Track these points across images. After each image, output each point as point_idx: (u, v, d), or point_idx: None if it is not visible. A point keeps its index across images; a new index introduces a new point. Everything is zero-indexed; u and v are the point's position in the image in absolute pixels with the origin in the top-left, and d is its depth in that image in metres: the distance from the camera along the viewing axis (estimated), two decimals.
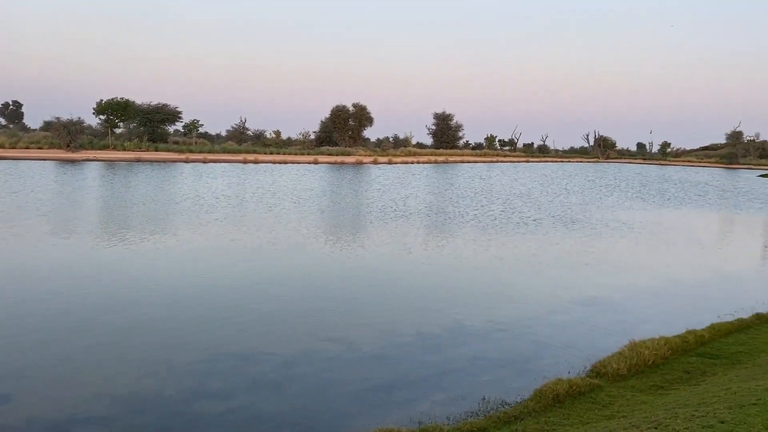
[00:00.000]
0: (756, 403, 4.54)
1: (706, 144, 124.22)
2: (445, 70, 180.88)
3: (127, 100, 65.16)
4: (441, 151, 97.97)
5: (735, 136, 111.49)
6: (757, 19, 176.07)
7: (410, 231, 18.42)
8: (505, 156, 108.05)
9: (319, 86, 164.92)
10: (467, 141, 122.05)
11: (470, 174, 54.02)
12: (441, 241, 17.00)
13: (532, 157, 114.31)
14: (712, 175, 68.94)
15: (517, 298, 10.83)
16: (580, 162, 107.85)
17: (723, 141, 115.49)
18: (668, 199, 33.08)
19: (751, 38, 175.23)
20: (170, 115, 71.72)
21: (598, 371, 6.75)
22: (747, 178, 63.73)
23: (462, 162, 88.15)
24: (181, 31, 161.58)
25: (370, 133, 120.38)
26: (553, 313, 9.86)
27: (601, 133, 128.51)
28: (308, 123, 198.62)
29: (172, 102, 76.68)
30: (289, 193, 29.48)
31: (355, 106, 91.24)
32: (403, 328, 8.75)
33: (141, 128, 67.96)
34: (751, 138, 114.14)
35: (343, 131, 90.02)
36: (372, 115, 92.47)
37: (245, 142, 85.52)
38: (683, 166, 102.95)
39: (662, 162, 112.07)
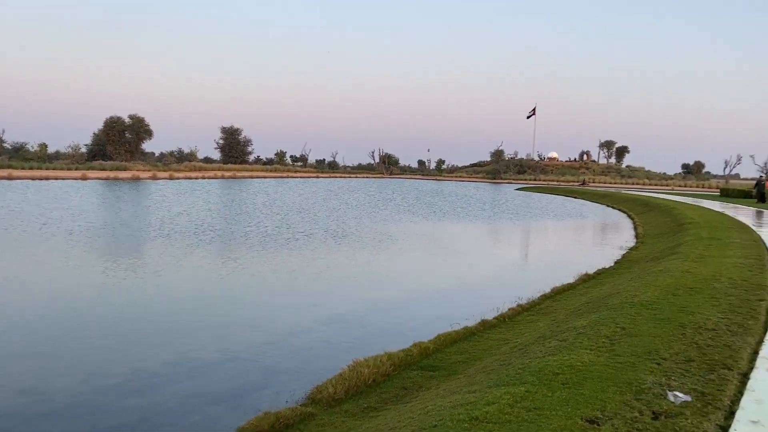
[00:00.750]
0: (436, 425, 4.36)
1: (475, 161, 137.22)
2: (234, 83, 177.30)
3: None
4: (229, 166, 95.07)
5: (498, 155, 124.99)
6: (512, 52, 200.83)
7: (165, 252, 16.91)
8: (296, 172, 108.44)
9: (94, 95, 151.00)
10: (258, 156, 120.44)
11: (257, 190, 52.89)
12: (197, 261, 15.80)
13: (322, 173, 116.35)
14: (478, 188, 76.14)
15: (259, 322, 10.17)
16: (367, 177, 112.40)
17: (488, 159, 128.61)
18: (434, 211, 35.35)
19: (509, 70, 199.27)
20: None
21: (314, 397, 6.33)
22: (506, 191, 71.40)
23: (251, 177, 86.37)
24: None
25: (152, 147, 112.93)
26: (293, 335, 9.38)
27: (385, 151, 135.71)
28: (80, 135, 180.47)
29: None
30: (35, 213, 25.75)
31: (132, 117, 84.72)
32: (112, 368, 7.56)
33: None
34: (511, 156, 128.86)
35: (119, 144, 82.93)
36: (152, 127, 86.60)
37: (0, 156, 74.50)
38: (456, 181, 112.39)
39: (438, 177, 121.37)
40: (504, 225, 29.91)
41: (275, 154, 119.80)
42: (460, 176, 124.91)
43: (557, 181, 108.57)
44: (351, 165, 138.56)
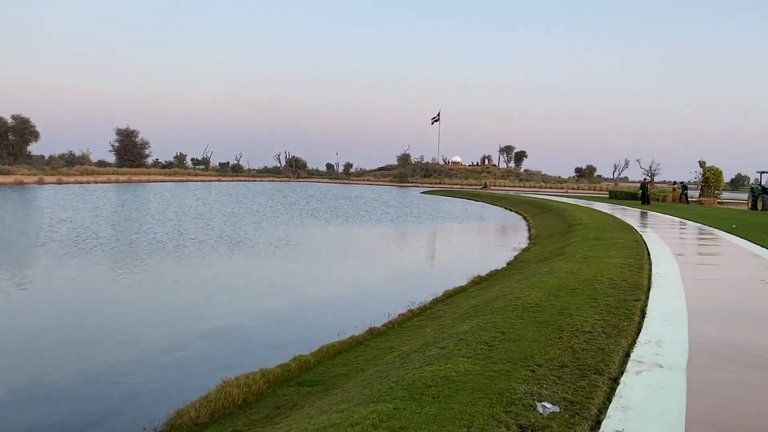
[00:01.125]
0: None
1: (383, 165, 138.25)
2: (130, 83, 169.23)
3: None
4: (125, 170, 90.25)
5: (404, 159, 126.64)
6: (417, 57, 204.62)
7: (36, 263, 15.45)
8: (196, 175, 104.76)
9: None
10: (157, 159, 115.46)
11: (153, 194, 50.35)
12: (72, 272, 14.51)
13: (225, 176, 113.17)
14: (384, 192, 76.60)
15: (129, 338, 9.33)
16: (272, 181, 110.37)
17: (396, 162, 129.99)
18: (338, 215, 34.97)
19: (415, 75, 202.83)
20: None
21: (174, 423, 5.74)
22: (412, 194, 72.26)
23: (149, 181, 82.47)
24: None
25: (40, 150, 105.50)
26: (166, 352, 8.64)
27: (293, 154, 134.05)
28: None
29: None
30: None
31: (15, 118, 78.61)
32: None
33: None
34: (417, 160, 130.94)
35: (0, 147, 76.66)
36: (38, 129, 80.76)
37: None
38: (364, 184, 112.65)
39: (346, 181, 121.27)
40: (406, 228, 29.98)
41: (175, 157, 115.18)
42: (368, 180, 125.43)
43: (461, 184, 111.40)
44: (256, 168, 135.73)
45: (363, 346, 8.42)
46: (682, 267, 11.36)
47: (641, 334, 6.48)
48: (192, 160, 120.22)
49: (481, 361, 5.66)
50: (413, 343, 7.99)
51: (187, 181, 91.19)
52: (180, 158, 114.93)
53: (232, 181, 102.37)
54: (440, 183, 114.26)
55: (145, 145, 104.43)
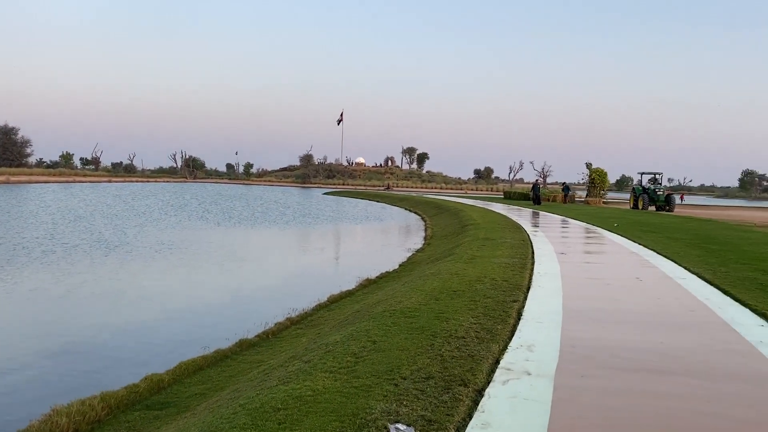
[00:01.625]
0: None
1: (286, 165, 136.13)
2: (8, 77, 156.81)
3: None
4: (3, 170, 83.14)
5: (307, 159, 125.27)
6: (319, 57, 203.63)
7: None
8: (85, 175, 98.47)
9: None
10: (40, 158, 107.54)
11: (31, 196, 46.47)
12: None
13: (116, 176, 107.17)
14: (285, 193, 75.20)
15: None
16: (167, 182, 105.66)
17: (298, 163, 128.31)
18: (231, 217, 33.61)
19: (317, 75, 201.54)
20: None
21: None
22: (314, 195, 71.38)
23: (30, 182, 76.41)
24: None
25: None
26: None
27: (190, 154, 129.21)
28: None
29: None
30: None
31: None
32: None
33: None
34: (321, 161, 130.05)
35: None
36: None
37: None
38: (265, 185, 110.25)
39: (247, 182, 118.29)
40: (301, 230, 29.21)
41: (61, 157, 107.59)
42: (270, 180, 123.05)
43: (364, 185, 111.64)
44: (151, 169, 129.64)
45: (230, 361, 7.71)
46: (563, 266, 11.48)
47: (514, 338, 6.24)
48: (81, 159, 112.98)
49: (343, 376, 5.16)
50: (283, 355, 7.39)
51: (74, 182, 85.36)
52: (66, 158, 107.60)
53: (124, 182, 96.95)
54: (343, 184, 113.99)
55: (26, 143, 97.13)
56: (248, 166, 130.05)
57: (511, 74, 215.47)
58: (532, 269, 11.00)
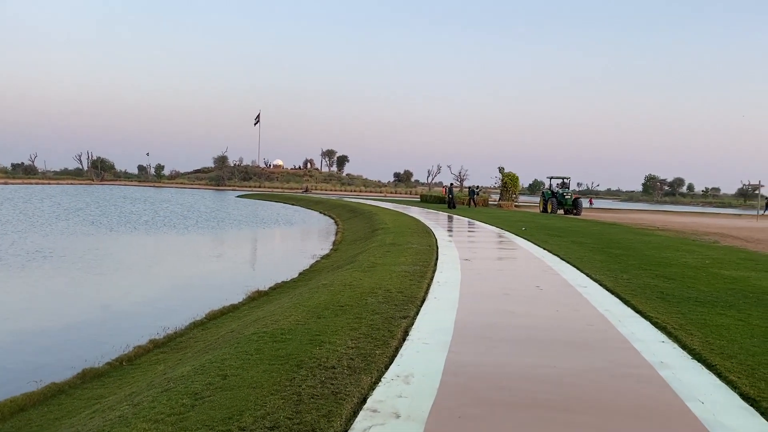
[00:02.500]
0: None
1: (200, 167, 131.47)
2: None
3: None
4: None
5: (221, 161, 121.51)
6: (235, 57, 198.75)
7: None
8: None
9: None
10: None
11: None
12: None
13: (14, 178, 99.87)
14: (196, 195, 72.21)
15: None
16: (72, 184, 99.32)
17: (212, 165, 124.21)
18: (127, 222, 31.27)
19: (233, 75, 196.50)
20: None
21: None
22: (226, 198, 68.83)
23: None
24: None
25: None
26: None
27: (98, 155, 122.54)
28: None
29: None
30: None
31: None
32: None
33: None
34: (237, 162, 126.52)
35: None
36: None
37: None
38: (177, 188, 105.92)
39: (158, 184, 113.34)
40: (203, 234, 27.47)
41: None
42: (182, 183, 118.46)
43: (282, 188, 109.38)
44: (55, 170, 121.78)
45: (64, 397, 6.44)
46: (464, 274, 10.84)
47: (392, 366, 5.38)
48: None
49: (167, 428, 4.11)
50: (127, 390, 6.21)
51: None
52: None
53: (23, 184, 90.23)
54: (260, 186, 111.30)
55: None
56: (159, 167, 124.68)
57: (428, 78, 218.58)
58: (431, 278, 10.27)
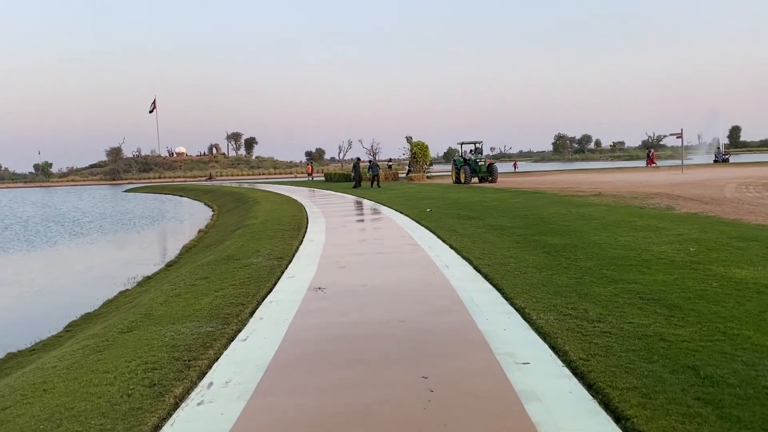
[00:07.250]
0: None
1: (95, 162, 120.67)
2: None
3: None
4: None
5: (115, 153, 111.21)
6: (125, 44, 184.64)
7: None
8: None
9: None
10: None
11: None
12: None
13: None
14: (81, 193, 63.94)
15: None
16: None
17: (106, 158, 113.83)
18: None
19: (123, 63, 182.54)
20: None
21: None
22: (109, 194, 60.99)
23: None
24: None
25: None
26: None
27: None
28: None
29: None
30: None
31: None
32: None
33: None
34: (135, 153, 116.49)
35: None
36: None
37: None
38: (69, 186, 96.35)
39: (47, 184, 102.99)
40: (26, 246, 21.00)
41: None
42: (74, 180, 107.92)
43: (184, 177, 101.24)
44: None
45: None
46: (300, 318, 5.65)
47: None
48: None
49: None
50: None
51: None
52: None
53: None
54: (160, 177, 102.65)
55: None
56: (46, 165, 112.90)
57: (338, 54, 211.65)
58: (236, 333, 5.04)
